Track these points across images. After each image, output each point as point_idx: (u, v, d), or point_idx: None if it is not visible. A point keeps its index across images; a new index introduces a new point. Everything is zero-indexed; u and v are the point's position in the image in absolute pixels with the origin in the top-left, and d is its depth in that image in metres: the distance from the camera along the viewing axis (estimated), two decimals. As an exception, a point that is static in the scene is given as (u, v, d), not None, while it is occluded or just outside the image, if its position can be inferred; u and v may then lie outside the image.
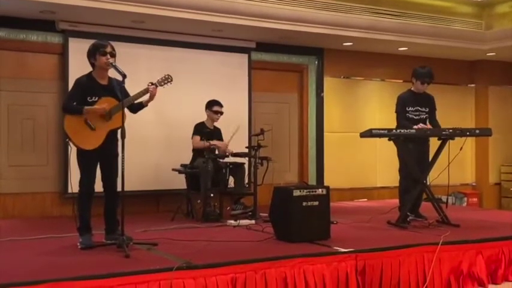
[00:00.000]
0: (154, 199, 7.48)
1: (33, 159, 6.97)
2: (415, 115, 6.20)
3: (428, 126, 6.17)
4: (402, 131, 5.80)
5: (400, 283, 4.47)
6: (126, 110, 4.77)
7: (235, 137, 6.77)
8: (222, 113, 6.98)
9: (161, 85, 4.97)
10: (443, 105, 6.82)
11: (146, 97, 4.88)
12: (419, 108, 6.22)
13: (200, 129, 6.86)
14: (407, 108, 6.17)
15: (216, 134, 6.99)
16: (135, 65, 6.95)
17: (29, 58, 6.99)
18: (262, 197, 6.65)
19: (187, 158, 6.90)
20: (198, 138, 6.79)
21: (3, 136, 6.82)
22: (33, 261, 4.22)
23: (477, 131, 6.46)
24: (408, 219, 5.89)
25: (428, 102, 6.30)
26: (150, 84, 4.85)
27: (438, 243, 4.71)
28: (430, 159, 6.12)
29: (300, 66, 8.76)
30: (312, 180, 8.65)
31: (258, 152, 6.54)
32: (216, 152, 6.62)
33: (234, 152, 6.80)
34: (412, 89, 6.30)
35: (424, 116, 6.24)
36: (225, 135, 7.03)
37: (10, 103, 6.86)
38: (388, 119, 7.47)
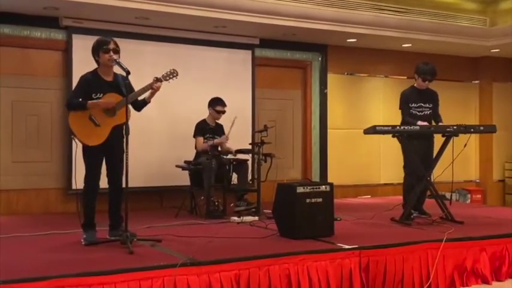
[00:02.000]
0: (157, 195, 7.48)
1: (37, 156, 6.97)
2: (419, 111, 6.18)
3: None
4: (405, 127, 5.78)
5: (403, 280, 4.47)
6: (130, 107, 4.76)
7: (235, 128, 6.71)
8: (224, 112, 6.96)
9: (166, 80, 4.95)
10: (447, 101, 6.81)
11: (148, 92, 4.86)
12: (423, 105, 6.20)
13: (202, 128, 6.84)
14: (410, 105, 6.16)
15: (218, 130, 6.98)
16: (139, 61, 6.97)
17: (33, 55, 7.00)
18: (265, 193, 6.64)
19: (191, 154, 6.89)
20: (201, 140, 6.77)
21: (7, 132, 6.82)
22: (37, 257, 4.23)
23: (481, 128, 6.45)
24: (412, 216, 5.89)
25: (431, 98, 6.28)
26: (155, 78, 4.84)
27: (442, 240, 4.71)
28: (434, 155, 6.11)
29: (304, 63, 8.75)
30: (315, 176, 8.64)
31: (261, 148, 6.54)
32: (219, 149, 6.62)
33: (238, 148, 6.80)
34: (415, 85, 6.29)
35: (428, 112, 6.22)
36: (227, 132, 7.01)
37: (14, 99, 6.87)
38: (392, 116, 7.47)
